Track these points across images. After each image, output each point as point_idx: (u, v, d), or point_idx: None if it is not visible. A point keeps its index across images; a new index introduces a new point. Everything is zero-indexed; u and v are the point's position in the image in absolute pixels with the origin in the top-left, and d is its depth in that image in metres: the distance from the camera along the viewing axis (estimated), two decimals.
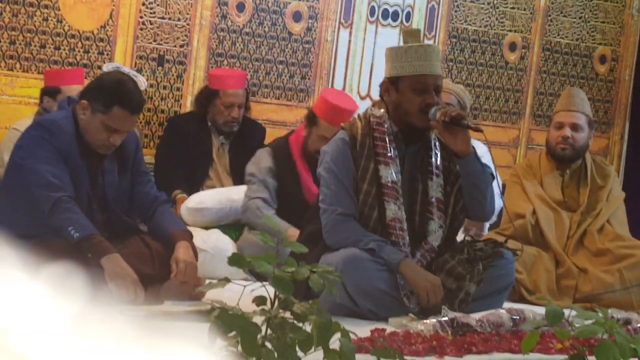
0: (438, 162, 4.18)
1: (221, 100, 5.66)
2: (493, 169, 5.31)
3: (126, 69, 5.45)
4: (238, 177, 5.63)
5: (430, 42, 6.66)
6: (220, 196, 5.40)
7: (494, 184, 5.62)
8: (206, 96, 5.72)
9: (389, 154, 4.11)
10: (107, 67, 5.50)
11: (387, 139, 4.12)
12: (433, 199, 4.14)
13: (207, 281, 4.04)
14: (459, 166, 4.13)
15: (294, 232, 4.53)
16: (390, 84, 4.14)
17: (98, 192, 4.10)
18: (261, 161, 5.22)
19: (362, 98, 6.55)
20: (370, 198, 4.09)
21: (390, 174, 4.09)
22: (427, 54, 4.10)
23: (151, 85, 5.95)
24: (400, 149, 4.15)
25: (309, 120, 5.21)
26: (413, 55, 4.09)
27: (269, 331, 2.55)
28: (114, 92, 4.00)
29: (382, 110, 4.17)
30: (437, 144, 4.20)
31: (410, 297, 4.05)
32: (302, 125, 5.30)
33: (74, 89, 5.12)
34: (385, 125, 4.14)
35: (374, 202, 4.09)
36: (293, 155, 5.22)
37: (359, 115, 4.27)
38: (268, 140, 5.88)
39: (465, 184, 4.13)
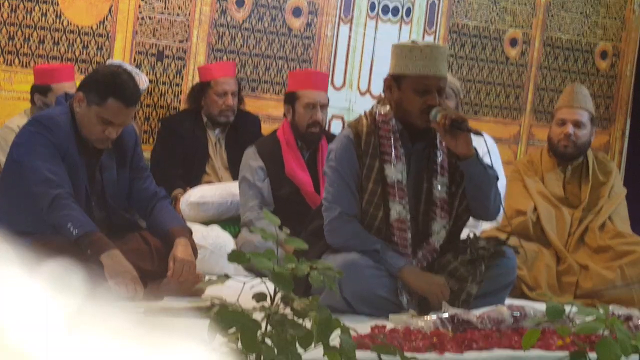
0: (444, 161, 4.14)
1: (213, 89, 5.67)
2: (500, 164, 5.28)
3: (129, 67, 5.43)
4: (236, 171, 5.63)
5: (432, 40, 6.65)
6: (220, 190, 5.41)
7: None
8: (199, 90, 5.74)
9: (395, 152, 4.06)
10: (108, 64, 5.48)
11: (392, 137, 4.08)
12: (437, 200, 4.10)
13: (207, 277, 4.03)
14: (461, 168, 4.10)
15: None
16: (393, 81, 4.08)
17: (96, 188, 4.08)
18: (250, 161, 5.19)
19: (362, 94, 6.54)
20: (376, 198, 4.05)
21: (395, 173, 4.05)
22: (433, 54, 4.03)
23: (150, 81, 5.94)
24: (407, 147, 4.11)
25: (288, 100, 5.23)
26: (418, 55, 4.02)
27: (268, 327, 2.54)
28: (109, 84, 3.98)
29: (387, 107, 4.12)
30: (442, 142, 4.14)
31: (410, 300, 4.03)
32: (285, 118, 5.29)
33: (65, 87, 5.10)
34: (391, 123, 4.09)
35: (380, 201, 4.05)
36: (280, 148, 5.20)
37: (365, 113, 4.21)
38: (264, 131, 5.88)
39: (468, 186, 4.10)
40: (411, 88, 4.02)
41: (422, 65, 4.01)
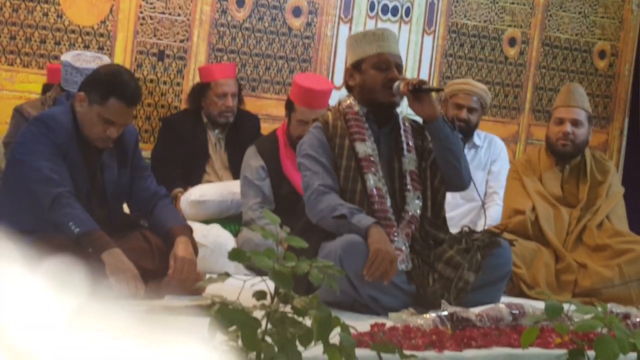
0: (409, 141, 4.31)
1: (213, 91, 5.68)
2: (508, 164, 5.36)
3: (89, 53, 5.37)
4: (236, 171, 5.64)
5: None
6: (221, 189, 5.41)
7: (503, 178, 5.64)
8: (198, 90, 5.75)
9: (363, 132, 4.24)
10: (65, 56, 5.37)
11: (359, 119, 4.26)
12: (407, 173, 4.26)
13: (207, 276, 4.04)
14: (429, 133, 4.26)
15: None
16: (354, 69, 4.30)
17: (97, 187, 4.10)
18: (250, 161, 5.22)
19: None
20: (352, 172, 4.20)
21: (365, 148, 4.22)
22: (385, 36, 4.30)
23: (151, 81, 5.96)
24: (373, 129, 4.28)
25: (287, 107, 5.27)
26: (372, 38, 4.28)
27: (269, 326, 2.56)
28: (110, 84, 4.00)
29: (350, 98, 4.32)
30: (407, 124, 4.35)
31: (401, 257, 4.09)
32: None
33: None
34: (356, 109, 4.27)
35: (356, 175, 4.19)
36: (279, 147, 5.22)
37: (329, 108, 4.45)
38: (264, 131, 5.90)
39: (438, 150, 4.25)
40: (371, 66, 4.24)
41: (377, 45, 4.25)
